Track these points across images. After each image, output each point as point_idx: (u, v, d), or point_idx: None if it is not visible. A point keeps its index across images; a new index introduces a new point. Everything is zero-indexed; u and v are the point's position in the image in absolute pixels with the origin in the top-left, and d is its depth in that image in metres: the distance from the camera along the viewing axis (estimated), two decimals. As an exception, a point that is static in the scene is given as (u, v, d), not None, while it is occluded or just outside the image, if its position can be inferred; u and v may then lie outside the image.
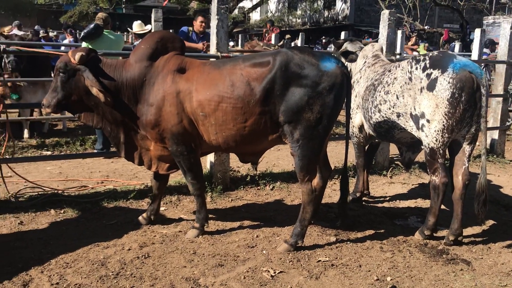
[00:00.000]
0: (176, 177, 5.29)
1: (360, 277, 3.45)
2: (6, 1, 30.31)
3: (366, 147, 5.12)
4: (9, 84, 7.19)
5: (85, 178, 5.79)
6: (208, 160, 5.48)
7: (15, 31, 9.55)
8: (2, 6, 30.31)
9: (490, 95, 6.87)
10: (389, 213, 4.79)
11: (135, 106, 3.80)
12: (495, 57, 8.66)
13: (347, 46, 5.09)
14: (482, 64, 9.59)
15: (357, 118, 4.78)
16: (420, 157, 5.49)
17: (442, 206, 4.14)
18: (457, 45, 15.26)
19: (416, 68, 3.93)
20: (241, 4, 27.84)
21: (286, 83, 3.55)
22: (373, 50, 4.94)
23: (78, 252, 3.69)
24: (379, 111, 4.33)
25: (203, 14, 7.89)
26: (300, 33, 15.79)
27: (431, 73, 3.81)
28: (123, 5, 34.25)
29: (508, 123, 7.86)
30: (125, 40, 16.85)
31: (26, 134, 7.77)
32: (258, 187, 5.45)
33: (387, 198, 5.28)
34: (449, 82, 3.70)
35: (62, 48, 8.98)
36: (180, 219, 4.45)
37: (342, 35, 14.19)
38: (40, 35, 11.56)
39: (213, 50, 5.25)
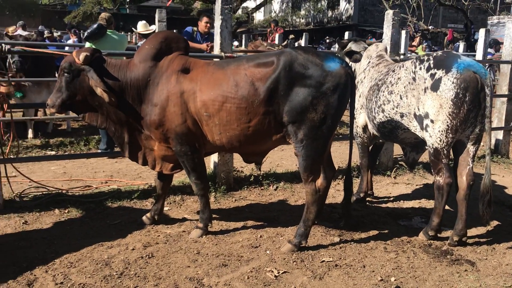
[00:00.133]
0: (180, 177, 5.30)
1: (364, 278, 3.45)
2: (11, 1, 30.41)
3: (370, 147, 5.12)
4: (12, 83, 7.20)
5: (89, 178, 5.80)
6: (211, 160, 5.49)
7: (20, 32, 9.57)
8: (7, 7, 30.42)
9: (494, 95, 6.84)
10: (393, 214, 4.79)
11: (139, 106, 3.81)
12: (500, 57, 8.62)
13: (351, 46, 5.09)
14: (487, 64, 9.56)
15: (361, 118, 4.78)
16: (424, 157, 5.48)
17: (446, 207, 4.13)
18: (461, 45, 15.21)
19: (420, 68, 3.93)
20: (244, 4, 27.82)
21: (290, 83, 3.55)
22: (377, 50, 4.94)
23: (82, 251, 3.70)
24: (383, 111, 4.33)
25: (208, 14, 7.88)
26: (304, 33, 15.79)
27: (435, 73, 3.80)
28: (127, 6, 34.36)
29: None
30: (128, 40, 16.90)
31: (30, 134, 7.79)
32: (262, 187, 5.45)
33: (391, 199, 5.27)
34: (453, 82, 3.69)
35: (66, 48, 9.01)
36: (184, 219, 4.46)
37: (346, 35, 14.18)
38: (45, 35, 11.59)
39: (217, 50, 5.26)
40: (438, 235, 4.13)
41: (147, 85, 3.78)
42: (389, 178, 6.07)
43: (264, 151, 4.06)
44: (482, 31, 7.65)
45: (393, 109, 4.21)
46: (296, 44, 15.60)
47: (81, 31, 14.49)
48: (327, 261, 3.66)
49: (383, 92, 4.31)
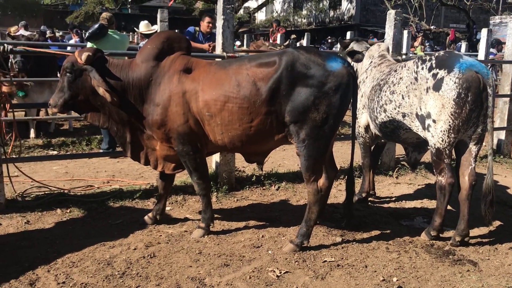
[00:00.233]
0: (182, 177, 5.30)
1: (366, 278, 3.44)
2: (13, 1, 30.47)
3: (372, 147, 5.11)
4: (14, 83, 7.22)
5: (91, 177, 5.81)
6: (213, 160, 5.49)
7: (22, 32, 9.60)
8: (9, 7, 30.47)
9: (496, 95, 6.84)
10: (395, 214, 4.78)
11: (141, 106, 3.81)
12: (502, 57, 8.61)
13: (353, 46, 5.08)
14: (489, 64, 9.55)
15: (363, 118, 4.78)
16: (426, 157, 5.47)
17: (448, 207, 4.12)
18: (463, 45, 15.20)
19: (422, 68, 3.92)
20: (246, 4, 27.84)
21: (292, 83, 3.55)
22: (379, 50, 4.94)
23: (84, 251, 3.70)
24: (385, 111, 4.32)
25: (210, 14, 7.88)
26: (306, 33, 15.78)
27: (437, 73, 3.79)
28: (129, 6, 34.37)
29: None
30: (130, 40, 16.91)
31: (32, 133, 7.81)
32: (264, 187, 5.45)
33: (393, 199, 5.27)
34: (455, 82, 3.69)
35: (68, 48, 9.02)
36: (186, 219, 4.46)
37: (348, 35, 14.18)
38: (47, 35, 11.60)
39: (219, 50, 5.26)
40: (440, 235, 4.12)
41: (149, 85, 3.78)
42: (391, 178, 6.06)
43: (266, 151, 4.06)
44: (484, 31, 7.64)
45: (395, 109, 4.20)
46: (298, 44, 15.61)
47: (83, 31, 14.51)
48: (329, 261, 3.66)
49: (385, 92, 4.30)
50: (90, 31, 6.52)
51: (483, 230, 4.38)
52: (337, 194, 5.31)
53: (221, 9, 5.09)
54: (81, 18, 26.70)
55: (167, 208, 4.60)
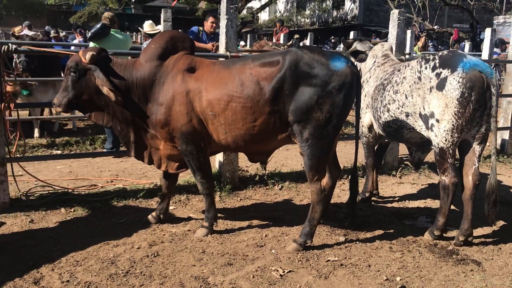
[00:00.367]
0: (185, 177, 5.31)
1: (370, 277, 3.44)
2: (17, 1, 30.56)
3: (376, 147, 5.11)
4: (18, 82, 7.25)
5: (94, 177, 5.83)
6: (217, 160, 5.50)
7: (26, 31, 9.63)
8: (13, 7, 30.57)
9: (500, 95, 6.81)
10: (398, 213, 4.78)
11: (145, 105, 3.82)
12: (506, 57, 8.58)
13: (357, 45, 5.08)
14: (493, 64, 9.53)
15: (366, 118, 4.77)
16: (430, 157, 5.47)
17: (452, 207, 4.12)
18: (467, 45, 15.15)
19: (426, 68, 3.92)
20: (249, 4, 27.86)
21: (295, 82, 3.55)
22: (383, 49, 4.93)
23: (88, 250, 3.72)
24: (388, 110, 4.32)
25: (214, 14, 7.89)
26: (309, 33, 15.78)
27: (441, 72, 3.79)
28: (132, 6, 34.42)
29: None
30: (133, 40, 16.93)
31: (36, 133, 7.83)
32: (267, 187, 5.45)
33: (396, 198, 5.26)
34: (458, 82, 3.68)
35: (72, 48, 9.04)
36: (189, 218, 4.47)
37: (351, 35, 14.16)
38: (51, 35, 11.64)
39: (222, 50, 5.26)
40: (444, 235, 4.11)
41: (153, 84, 3.79)
42: (394, 177, 6.06)
43: (270, 150, 4.06)
44: (488, 31, 7.62)
45: (398, 108, 4.20)
46: (301, 44, 15.60)
47: (87, 31, 14.55)
48: (333, 261, 3.66)
49: (389, 91, 4.30)
50: (92, 31, 6.53)
51: (487, 230, 4.37)
52: (341, 193, 5.31)
53: (225, 9, 5.10)
54: (84, 18, 26.75)
55: (171, 207, 4.61)
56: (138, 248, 3.78)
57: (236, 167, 5.43)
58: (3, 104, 4.41)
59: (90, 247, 3.76)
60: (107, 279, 3.29)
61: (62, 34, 16.24)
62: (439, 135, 3.83)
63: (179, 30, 6.20)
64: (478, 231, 4.29)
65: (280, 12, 34.08)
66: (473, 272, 3.58)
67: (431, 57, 3.96)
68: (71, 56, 3.92)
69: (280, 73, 3.56)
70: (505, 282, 3.44)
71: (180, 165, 4.08)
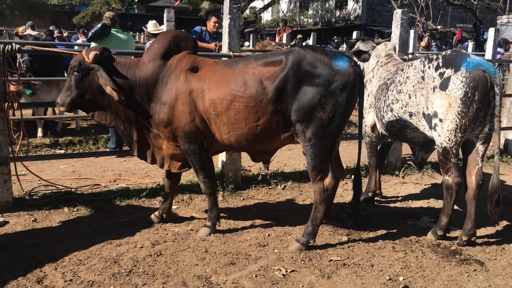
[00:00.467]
0: (188, 176, 5.32)
1: (372, 277, 3.44)
2: (21, 2, 30.63)
3: (379, 147, 5.10)
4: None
5: (97, 176, 5.84)
6: (219, 159, 5.50)
7: (29, 31, 9.66)
8: (17, 7, 30.64)
9: (504, 94, 6.80)
10: (401, 213, 4.77)
11: (148, 105, 3.83)
12: (509, 57, 8.57)
13: (360, 45, 5.08)
14: (496, 64, 9.50)
15: (369, 118, 4.77)
16: (433, 157, 5.45)
17: (455, 207, 4.11)
18: (470, 45, 15.11)
19: (429, 67, 3.91)
20: (252, 4, 27.84)
21: (298, 82, 3.55)
22: (386, 49, 4.93)
23: (91, 249, 3.72)
24: (392, 110, 4.31)
25: (217, 14, 7.90)
26: (312, 33, 15.77)
27: (444, 72, 3.78)
28: (135, 6, 34.44)
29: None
30: (136, 40, 16.96)
31: (40, 133, 7.86)
32: (270, 187, 5.45)
33: (400, 198, 5.26)
34: (462, 81, 3.67)
35: (76, 47, 9.06)
36: (192, 218, 4.47)
37: (354, 35, 14.15)
38: (55, 35, 11.66)
39: (225, 49, 5.27)
40: (447, 234, 4.11)
41: (156, 84, 3.79)
42: (397, 177, 6.05)
43: (272, 150, 4.06)
44: (491, 31, 7.60)
45: (401, 108, 4.19)
46: (303, 44, 15.60)
47: (90, 31, 14.56)
48: (335, 260, 3.65)
49: (392, 91, 4.29)
50: (92, 31, 6.52)
51: (490, 230, 4.36)
52: (343, 193, 5.31)
53: (228, 9, 5.10)
54: (87, 18, 26.77)
55: (174, 207, 4.62)
56: (141, 247, 3.79)
57: (239, 167, 5.44)
58: (6, 104, 4.42)
59: (93, 246, 3.76)
60: (110, 278, 3.30)
61: (65, 34, 16.25)
62: (443, 134, 3.83)
63: (182, 30, 6.21)
64: (481, 231, 4.28)
65: (283, 12, 34.07)
66: (476, 272, 3.57)
67: (435, 56, 3.96)
68: (75, 56, 3.92)
69: (283, 73, 3.56)
70: (509, 282, 3.43)
71: (183, 165, 4.08)
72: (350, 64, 3.62)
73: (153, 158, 4.08)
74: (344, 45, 5.60)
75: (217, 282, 3.30)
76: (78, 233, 4.06)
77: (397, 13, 6.08)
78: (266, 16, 34.95)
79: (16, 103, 4.57)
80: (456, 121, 3.73)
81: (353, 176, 4.18)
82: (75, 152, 6.98)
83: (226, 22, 5.17)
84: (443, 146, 3.86)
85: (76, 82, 3.79)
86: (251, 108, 3.61)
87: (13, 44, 4.53)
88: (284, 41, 13.75)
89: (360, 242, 4.01)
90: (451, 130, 3.77)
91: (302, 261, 3.63)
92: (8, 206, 4.51)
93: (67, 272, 3.37)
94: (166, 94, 3.75)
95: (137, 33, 21.53)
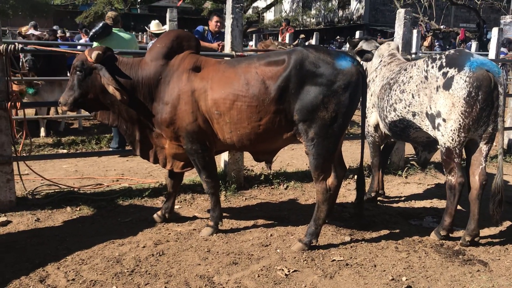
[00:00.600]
0: (191, 176, 5.32)
1: (375, 277, 3.43)
2: (23, 2, 30.70)
3: (381, 147, 5.09)
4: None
5: (100, 176, 5.84)
6: (222, 159, 5.49)
7: (32, 31, 9.68)
8: (20, 7, 30.71)
9: (508, 94, 6.78)
10: (404, 213, 4.76)
11: (151, 105, 3.82)
12: (513, 57, 8.55)
13: (363, 45, 5.06)
14: (499, 63, 9.48)
15: (372, 117, 4.76)
16: (436, 157, 5.44)
17: (458, 207, 4.09)
18: (473, 45, 15.07)
19: (432, 67, 3.89)
20: (255, 4, 27.88)
21: (301, 81, 3.54)
22: (389, 49, 4.91)
23: (94, 249, 3.72)
24: (395, 110, 4.30)
25: (219, 14, 7.90)
26: (315, 33, 15.76)
27: (448, 71, 3.76)
28: (138, 6, 34.51)
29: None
30: (139, 40, 16.97)
31: (42, 132, 7.87)
32: (272, 186, 5.44)
33: (402, 198, 5.24)
34: (465, 81, 3.66)
35: (79, 47, 9.07)
36: (195, 217, 4.47)
37: (357, 34, 14.13)
38: (58, 35, 11.68)
39: (227, 49, 5.26)
40: (450, 235, 4.09)
41: (159, 84, 3.79)
42: (400, 177, 6.03)
43: (275, 149, 4.06)
44: (495, 30, 7.58)
45: (405, 108, 4.18)
46: (306, 44, 15.59)
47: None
48: (338, 260, 3.64)
49: (395, 91, 4.28)
50: (93, 30, 6.50)
51: (494, 230, 4.34)
52: (346, 193, 5.30)
53: (230, 8, 5.09)
54: (90, 18, 26.85)
55: (176, 207, 4.61)
56: (144, 247, 3.79)
57: (242, 167, 5.43)
58: (9, 103, 4.42)
59: (95, 246, 3.77)
60: (113, 277, 3.30)
61: (67, 34, 16.28)
62: (446, 134, 3.81)
63: (185, 30, 6.21)
64: (484, 231, 4.26)
65: (285, 12, 34.06)
66: (480, 272, 3.55)
67: (438, 56, 3.94)
68: (77, 55, 3.92)
69: (286, 72, 3.55)
70: (512, 282, 3.41)
71: (185, 164, 4.08)
72: (353, 63, 3.61)
73: (156, 158, 4.08)
74: (347, 45, 5.58)
75: (219, 282, 3.29)
76: (81, 232, 4.07)
77: (400, 13, 6.06)
78: (269, 16, 34.96)
79: (19, 103, 4.58)
80: (460, 121, 3.71)
81: (356, 176, 4.16)
82: (78, 151, 6.99)
83: (228, 21, 5.17)
84: (446, 146, 3.85)
85: (78, 81, 3.79)
86: (254, 107, 3.60)
87: (16, 43, 4.53)
88: (287, 41, 13.75)
89: (363, 242, 4.00)
90: (454, 130, 3.75)
91: (304, 261, 3.62)
92: (11, 205, 4.51)
93: (70, 271, 3.37)
94: (168, 93, 3.75)
95: (140, 33, 21.56)
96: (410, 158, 6.55)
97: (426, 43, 17.92)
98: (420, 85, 4.00)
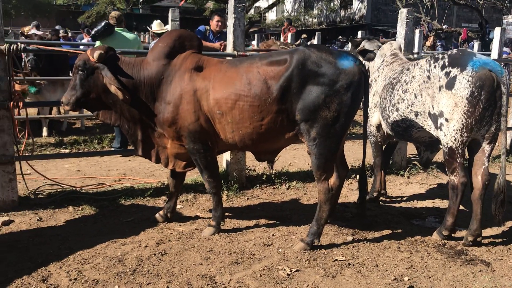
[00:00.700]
0: (193, 175, 5.32)
1: (377, 277, 3.42)
2: (26, 2, 30.76)
3: (384, 147, 5.08)
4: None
5: (102, 176, 5.85)
6: (224, 159, 5.49)
7: (34, 31, 9.69)
8: (22, 7, 30.77)
9: (510, 94, 6.76)
10: (406, 213, 4.75)
11: (153, 104, 3.83)
12: (515, 56, 8.52)
13: (365, 44, 5.06)
14: (502, 63, 9.45)
15: (374, 117, 4.75)
16: (438, 157, 5.43)
17: (461, 207, 4.08)
18: (476, 44, 15.04)
19: (435, 67, 3.89)
20: (257, 4, 27.87)
21: (303, 81, 3.54)
22: (391, 48, 4.90)
23: (96, 248, 3.73)
24: (397, 110, 4.29)
25: (220, 13, 7.90)
26: (317, 33, 15.76)
27: (450, 71, 3.76)
28: (140, 6, 34.54)
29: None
30: (141, 40, 16.95)
31: (45, 132, 7.88)
32: (274, 186, 5.44)
33: (405, 198, 5.23)
34: (468, 81, 3.65)
35: (81, 47, 9.09)
36: (197, 217, 4.47)
37: (359, 34, 14.14)
38: (60, 35, 11.70)
39: (229, 49, 5.26)
40: (452, 235, 4.08)
41: (161, 83, 3.79)
42: (402, 177, 6.02)
43: (277, 149, 4.05)
44: (497, 30, 7.57)
45: (407, 107, 4.17)
46: (308, 44, 15.58)
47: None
48: (340, 260, 3.64)
49: (398, 90, 4.27)
50: (95, 29, 6.49)
51: (496, 230, 4.33)
52: (348, 193, 5.29)
53: (232, 8, 5.09)
54: (93, 18, 26.85)
55: (178, 206, 4.62)
56: (146, 246, 3.79)
57: (244, 166, 5.43)
58: (12, 103, 4.43)
59: (97, 245, 3.77)
60: (115, 277, 3.30)
61: (69, 34, 16.31)
62: (448, 134, 3.80)
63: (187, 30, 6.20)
64: (487, 232, 4.25)
65: (287, 11, 34.05)
66: (482, 272, 3.55)
67: (440, 55, 3.93)
68: (79, 55, 3.93)
69: (288, 72, 3.55)
70: (515, 283, 3.41)
71: (187, 164, 4.08)
72: (355, 63, 3.60)
73: (158, 157, 4.08)
74: (349, 45, 5.58)
75: (221, 281, 3.29)
76: (83, 232, 4.07)
77: (402, 13, 6.06)
78: (271, 16, 34.93)
79: (21, 102, 4.58)
80: (462, 121, 3.70)
81: (358, 176, 4.15)
82: (80, 151, 7.00)
83: (230, 21, 5.16)
84: (449, 146, 3.84)
85: (81, 81, 3.79)
86: (256, 107, 3.60)
87: (18, 43, 4.54)
88: (289, 40, 13.75)
89: (365, 242, 3.99)
90: (457, 130, 3.74)
91: (306, 260, 3.62)
92: (14, 205, 4.52)
93: (72, 271, 3.37)
94: (170, 93, 3.75)
95: (142, 33, 21.58)
96: (412, 158, 6.54)
97: (428, 43, 17.88)
98: (422, 85, 3.99)
